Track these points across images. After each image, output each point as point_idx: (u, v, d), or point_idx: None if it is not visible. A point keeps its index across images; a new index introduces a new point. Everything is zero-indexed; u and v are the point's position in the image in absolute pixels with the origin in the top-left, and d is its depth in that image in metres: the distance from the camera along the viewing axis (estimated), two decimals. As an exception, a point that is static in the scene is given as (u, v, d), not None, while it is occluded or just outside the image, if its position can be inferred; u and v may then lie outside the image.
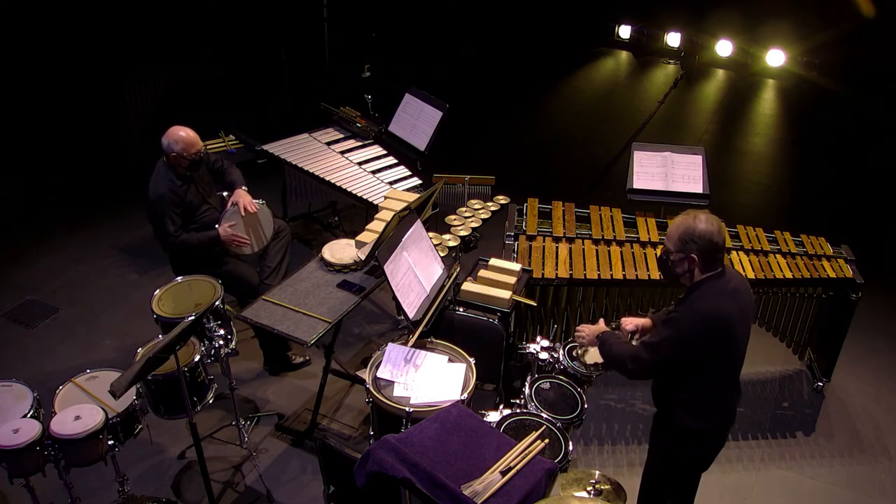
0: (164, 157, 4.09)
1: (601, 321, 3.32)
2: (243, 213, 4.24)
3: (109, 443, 3.21)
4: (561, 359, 3.50)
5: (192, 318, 3.02)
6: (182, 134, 4.03)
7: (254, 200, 4.31)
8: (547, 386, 3.37)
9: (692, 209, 2.79)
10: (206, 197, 4.26)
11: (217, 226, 4.19)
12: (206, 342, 3.56)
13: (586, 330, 3.22)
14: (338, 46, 7.93)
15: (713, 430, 2.95)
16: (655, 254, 4.32)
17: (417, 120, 5.28)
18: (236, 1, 7.73)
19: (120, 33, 6.77)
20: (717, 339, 2.73)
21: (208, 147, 5.50)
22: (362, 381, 3.43)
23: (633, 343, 3.19)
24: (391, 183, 5.00)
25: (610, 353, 3.03)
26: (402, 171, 5.16)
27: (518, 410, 3.18)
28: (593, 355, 3.38)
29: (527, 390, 3.30)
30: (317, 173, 5.04)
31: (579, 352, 3.50)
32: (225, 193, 4.38)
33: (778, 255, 4.38)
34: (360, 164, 5.20)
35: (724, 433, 3.00)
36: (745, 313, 2.84)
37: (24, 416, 3.16)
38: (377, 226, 4.09)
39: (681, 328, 2.74)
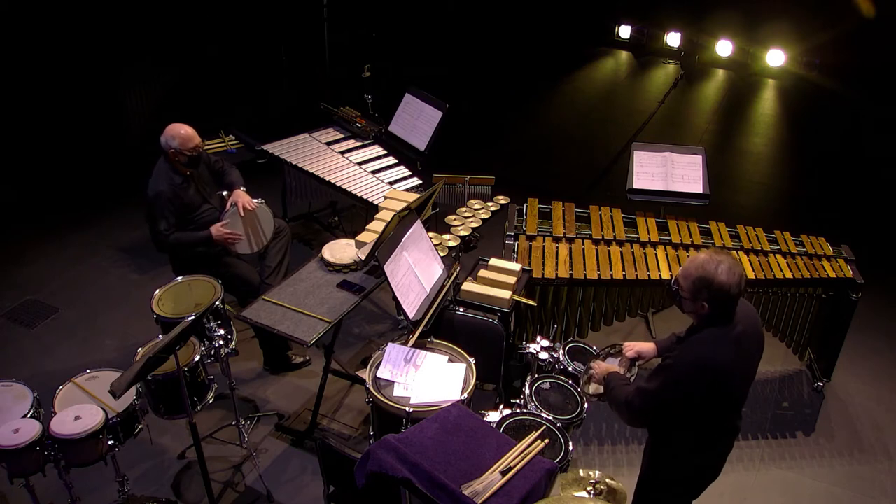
0: (163, 155, 4.09)
1: (616, 363, 3.18)
2: (242, 213, 4.24)
3: (109, 443, 3.21)
4: (561, 359, 3.50)
5: (192, 318, 3.02)
6: (179, 130, 4.03)
7: (253, 200, 4.31)
8: (547, 386, 3.37)
9: (716, 249, 2.61)
10: (206, 196, 4.26)
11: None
12: (206, 342, 3.56)
13: (599, 368, 3.14)
14: (338, 46, 7.93)
15: (706, 465, 2.89)
16: (655, 254, 4.33)
17: (417, 120, 5.28)
18: (237, 1, 7.73)
19: (120, 33, 6.76)
20: (712, 388, 2.61)
21: (208, 147, 5.53)
22: (362, 381, 3.43)
23: (634, 372, 3.13)
24: (391, 183, 5.00)
25: (612, 397, 2.92)
26: (402, 171, 5.16)
27: (518, 410, 3.18)
28: (597, 388, 3.29)
29: (527, 390, 3.30)
30: (317, 173, 5.04)
31: (583, 381, 3.39)
32: (225, 193, 4.38)
33: (778, 255, 4.38)
34: (360, 164, 5.20)
35: (715, 469, 2.93)
36: (749, 359, 2.72)
37: (24, 416, 3.16)
38: (377, 226, 4.09)
39: (674, 375, 2.61)
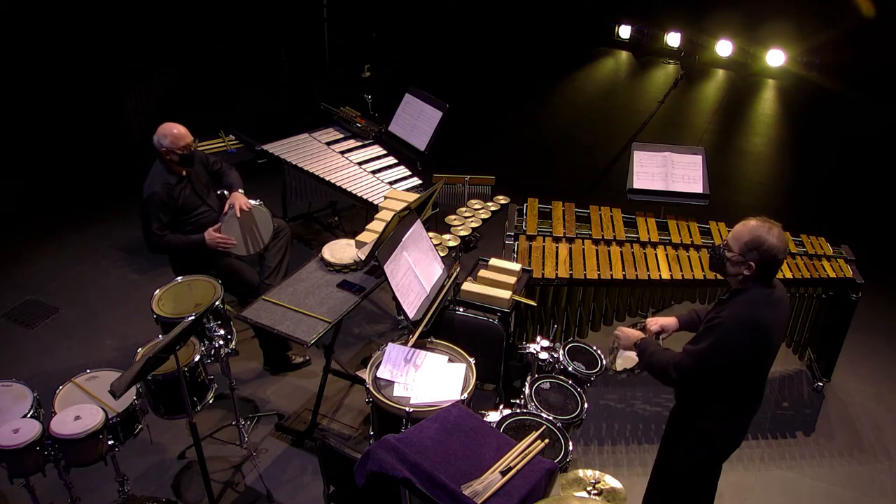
0: (158, 155, 4.10)
1: (636, 328, 3.25)
2: (239, 215, 4.24)
3: (109, 443, 3.21)
4: (561, 359, 3.50)
5: (192, 318, 3.02)
6: (171, 129, 4.04)
7: (250, 201, 4.31)
8: (547, 386, 3.37)
9: (766, 218, 2.74)
10: (203, 198, 4.26)
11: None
12: (206, 342, 3.56)
13: (624, 333, 3.18)
14: (338, 46, 7.93)
15: (734, 432, 2.97)
16: (655, 254, 4.33)
17: (417, 120, 5.28)
18: (237, 1, 7.73)
19: (120, 33, 6.76)
20: (758, 347, 2.73)
21: (208, 147, 5.53)
22: (362, 381, 3.43)
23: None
24: (391, 183, 5.00)
25: (651, 362, 2.97)
26: (402, 171, 5.16)
27: (518, 410, 3.18)
28: (625, 361, 3.33)
29: (527, 390, 3.30)
30: (317, 173, 5.04)
31: (610, 358, 3.43)
32: (226, 193, 4.38)
33: (778, 255, 4.37)
34: (360, 164, 5.20)
35: (742, 434, 3.01)
36: (783, 323, 2.87)
37: (24, 416, 3.16)
38: (377, 226, 4.09)
39: (725, 333, 2.71)
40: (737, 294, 2.79)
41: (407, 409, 3.07)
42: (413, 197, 4.12)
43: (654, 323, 3.23)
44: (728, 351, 2.72)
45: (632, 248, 4.37)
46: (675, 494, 3.20)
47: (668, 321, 3.22)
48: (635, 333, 3.16)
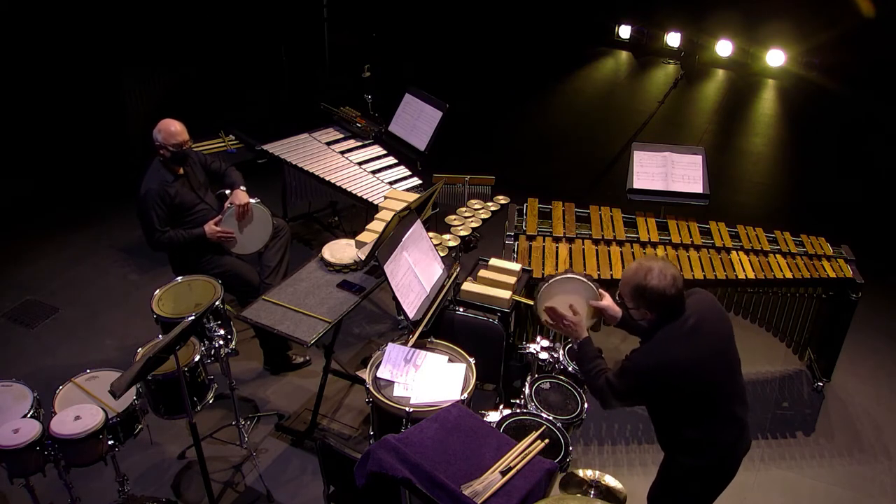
0: (156, 154, 4.11)
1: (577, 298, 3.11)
2: (238, 212, 4.24)
3: (109, 443, 3.21)
4: (561, 359, 3.50)
5: (192, 318, 3.02)
6: (168, 125, 4.06)
7: (250, 200, 4.31)
8: (547, 386, 3.37)
9: (645, 257, 2.64)
10: (201, 196, 4.26)
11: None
12: (206, 342, 3.56)
13: (576, 323, 2.99)
14: (338, 46, 7.93)
15: (712, 466, 2.86)
16: (655, 254, 4.32)
17: (417, 120, 5.28)
18: (237, 1, 7.73)
19: (120, 34, 6.76)
20: (678, 384, 2.64)
21: (208, 147, 5.53)
22: (362, 381, 3.43)
23: (593, 323, 3.12)
24: (391, 183, 5.00)
25: (582, 369, 2.92)
26: (402, 171, 5.16)
27: (518, 410, 3.18)
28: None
29: (527, 390, 3.30)
30: (317, 173, 5.04)
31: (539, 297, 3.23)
32: (228, 192, 4.39)
33: (778, 255, 4.38)
34: (360, 164, 5.20)
35: (727, 468, 2.91)
36: (714, 345, 2.70)
37: (24, 416, 3.16)
38: (377, 226, 4.09)
39: (636, 380, 2.67)
40: (648, 336, 2.71)
41: (407, 409, 3.07)
42: (413, 197, 4.12)
43: (604, 297, 3.08)
44: (640, 395, 2.72)
45: (632, 248, 4.37)
46: None
47: (613, 310, 3.05)
48: (583, 330, 2.98)
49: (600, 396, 2.82)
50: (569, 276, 3.18)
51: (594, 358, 2.90)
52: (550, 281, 3.22)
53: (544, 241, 4.37)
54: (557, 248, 4.33)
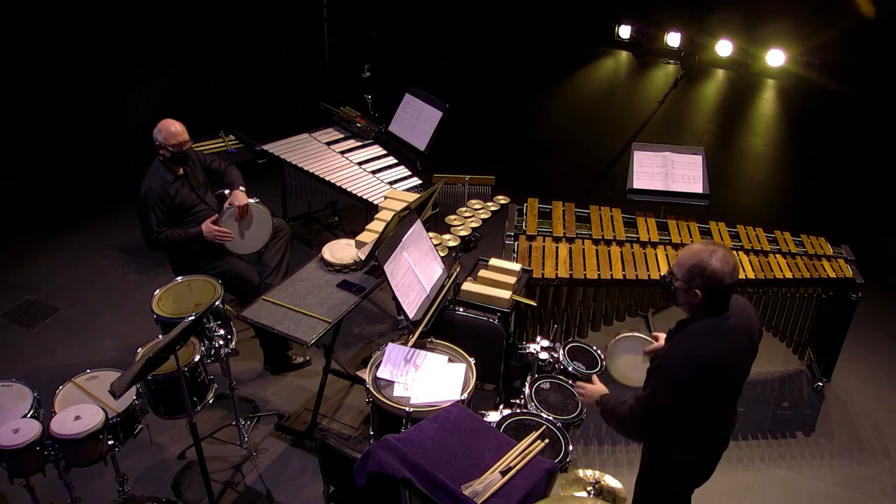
0: (157, 154, 4.11)
1: (596, 381, 3.13)
2: (237, 213, 4.24)
3: (109, 443, 3.20)
4: (561, 359, 3.50)
5: (192, 318, 3.02)
6: (169, 125, 4.07)
7: (249, 200, 4.31)
8: (547, 386, 3.37)
9: (711, 241, 2.65)
10: (201, 196, 4.26)
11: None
12: (206, 342, 3.56)
13: (587, 390, 3.07)
14: (338, 47, 7.93)
15: (701, 462, 2.87)
16: (655, 254, 4.33)
17: (417, 120, 5.28)
18: (237, 1, 7.73)
19: (120, 34, 6.77)
20: (707, 384, 2.59)
21: (208, 147, 5.54)
22: (362, 381, 3.43)
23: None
24: (391, 183, 5.00)
25: (611, 417, 2.88)
26: (402, 171, 5.16)
27: (518, 410, 3.18)
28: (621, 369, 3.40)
29: (527, 390, 3.30)
30: (317, 173, 5.04)
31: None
32: (227, 192, 4.39)
33: (778, 255, 4.38)
34: (360, 164, 5.20)
35: (712, 463, 2.91)
36: (740, 353, 2.69)
37: (24, 416, 3.16)
38: (377, 226, 4.09)
39: (670, 372, 2.61)
40: (684, 326, 2.67)
41: (407, 409, 3.07)
42: (413, 197, 4.12)
43: (658, 340, 3.06)
44: (675, 392, 2.59)
45: (632, 248, 4.37)
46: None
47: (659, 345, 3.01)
48: (597, 389, 3.03)
49: (632, 419, 2.73)
50: (623, 336, 3.32)
51: (618, 402, 2.86)
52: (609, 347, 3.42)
53: (544, 241, 4.37)
54: (557, 248, 4.33)
